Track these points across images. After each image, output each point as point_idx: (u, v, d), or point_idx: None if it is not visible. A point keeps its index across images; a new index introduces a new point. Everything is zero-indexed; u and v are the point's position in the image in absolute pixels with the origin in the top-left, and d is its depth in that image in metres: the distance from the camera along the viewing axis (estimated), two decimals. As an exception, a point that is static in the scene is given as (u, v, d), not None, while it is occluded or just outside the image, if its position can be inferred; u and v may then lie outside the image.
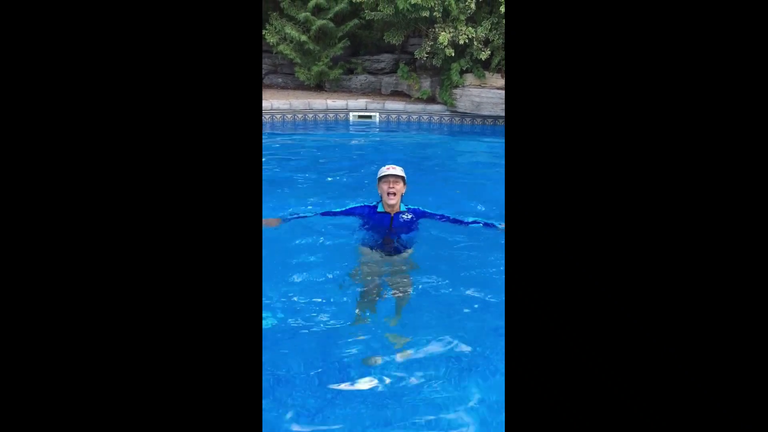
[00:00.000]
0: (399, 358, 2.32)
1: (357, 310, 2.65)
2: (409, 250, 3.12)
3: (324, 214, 3.22)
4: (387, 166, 3.12)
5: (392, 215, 3.14)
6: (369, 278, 2.92)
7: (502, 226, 3.07)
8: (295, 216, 3.13)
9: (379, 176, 3.11)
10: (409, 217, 3.18)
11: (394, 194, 3.06)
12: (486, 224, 3.16)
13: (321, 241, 3.29)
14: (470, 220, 3.21)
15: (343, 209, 3.23)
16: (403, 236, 3.16)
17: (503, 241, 2.91)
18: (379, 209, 3.17)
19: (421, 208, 3.25)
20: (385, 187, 3.07)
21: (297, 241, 3.26)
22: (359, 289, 2.83)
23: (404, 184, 3.10)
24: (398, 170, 3.08)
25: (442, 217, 3.21)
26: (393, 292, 2.82)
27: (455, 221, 3.20)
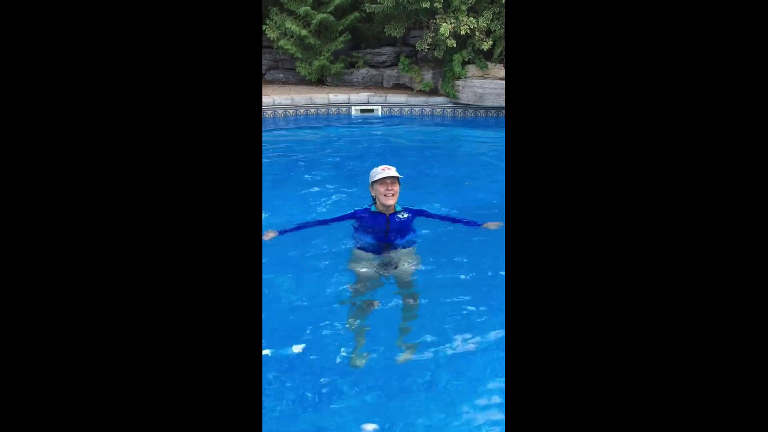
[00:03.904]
0: (400, 360, 2.30)
1: (350, 320, 2.58)
2: (409, 251, 3.01)
3: (319, 222, 3.10)
4: (381, 167, 2.97)
5: (388, 216, 3.02)
6: (363, 285, 2.84)
7: (487, 224, 3.10)
8: (292, 228, 3.03)
9: (374, 179, 2.95)
10: (406, 216, 3.07)
11: (393, 195, 2.94)
12: (470, 222, 3.15)
13: (318, 244, 3.22)
14: (462, 219, 3.18)
15: (336, 216, 3.12)
16: (401, 237, 3.04)
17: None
18: (374, 210, 3.04)
19: (416, 206, 3.14)
20: (382, 189, 2.92)
21: (293, 246, 3.21)
22: (352, 298, 2.75)
23: (398, 183, 2.99)
24: (393, 171, 2.94)
25: (434, 215, 3.13)
26: (400, 299, 2.75)
27: (451, 219, 3.16)
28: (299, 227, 3.05)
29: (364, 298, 2.77)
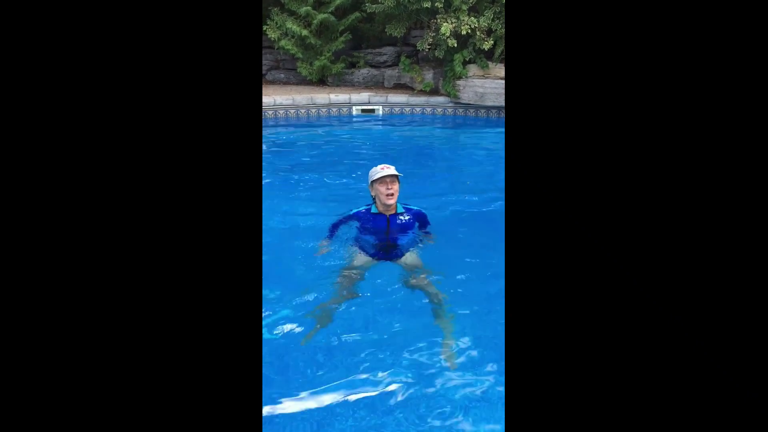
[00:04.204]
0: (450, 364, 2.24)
1: (328, 301, 2.57)
2: (410, 255, 2.95)
3: (334, 227, 3.12)
4: (381, 166, 2.91)
5: (389, 216, 2.97)
6: (357, 274, 2.82)
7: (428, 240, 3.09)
8: (329, 236, 3.09)
9: (374, 178, 2.90)
10: (407, 218, 3.02)
11: (393, 195, 2.90)
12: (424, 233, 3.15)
13: (316, 247, 3.21)
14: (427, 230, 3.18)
15: (341, 218, 3.11)
16: (401, 239, 3.00)
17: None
18: (374, 210, 3.01)
19: (419, 209, 3.10)
20: (382, 189, 2.88)
21: (292, 247, 3.21)
22: (339, 285, 2.73)
23: (398, 182, 2.95)
24: (392, 169, 2.89)
25: (426, 224, 3.13)
26: (396, 293, 2.73)
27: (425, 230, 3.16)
28: (327, 241, 3.09)
29: (351, 287, 2.75)
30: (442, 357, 2.26)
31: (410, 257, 2.95)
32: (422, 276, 2.83)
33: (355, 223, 3.08)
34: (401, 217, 3.01)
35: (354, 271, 2.85)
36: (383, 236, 3.00)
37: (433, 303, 2.63)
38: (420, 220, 3.09)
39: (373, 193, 2.98)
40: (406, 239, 3.02)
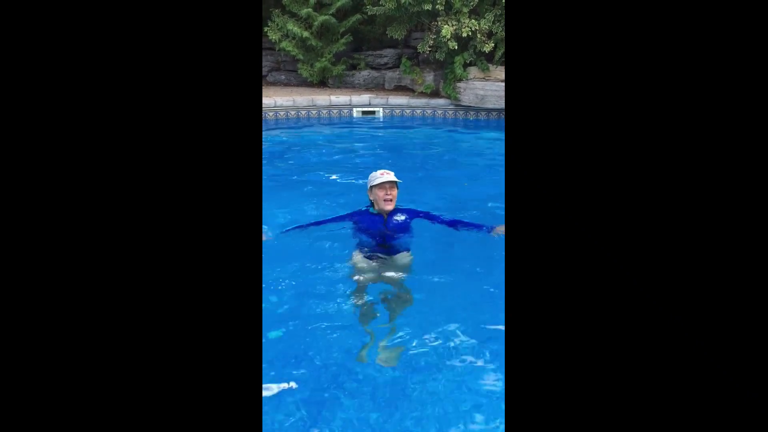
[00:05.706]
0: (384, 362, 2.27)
1: (363, 326, 2.57)
2: (406, 253, 3.02)
3: (315, 223, 3.09)
4: (380, 172, 2.99)
5: (385, 216, 3.04)
6: (364, 285, 2.85)
7: (496, 230, 2.95)
8: (288, 230, 3.02)
9: (373, 183, 2.98)
10: (403, 218, 3.08)
11: (391, 200, 2.97)
12: (477, 226, 3.03)
13: (317, 246, 3.21)
14: (464, 221, 3.09)
15: (333, 217, 3.13)
16: (398, 237, 3.05)
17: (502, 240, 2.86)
18: (371, 211, 3.08)
19: (414, 207, 3.15)
20: (381, 194, 2.96)
21: (293, 247, 3.21)
22: (356, 301, 2.75)
23: (397, 188, 3.02)
24: (392, 175, 2.97)
25: (437, 218, 3.11)
26: (391, 297, 2.75)
27: (451, 223, 3.08)
28: (296, 228, 3.04)
29: (366, 297, 2.77)
30: (377, 361, 2.27)
31: (402, 258, 2.99)
32: (400, 275, 2.88)
33: (352, 224, 3.12)
34: (397, 217, 3.06)
35: (360, 284, 2.87)
36: (379, 236, 3.04)
37: (395, 301, 2.69)
38: (419, 216, 3.12)
39: (371, 197, 3.05)
40: (403, 238, 3.07)
